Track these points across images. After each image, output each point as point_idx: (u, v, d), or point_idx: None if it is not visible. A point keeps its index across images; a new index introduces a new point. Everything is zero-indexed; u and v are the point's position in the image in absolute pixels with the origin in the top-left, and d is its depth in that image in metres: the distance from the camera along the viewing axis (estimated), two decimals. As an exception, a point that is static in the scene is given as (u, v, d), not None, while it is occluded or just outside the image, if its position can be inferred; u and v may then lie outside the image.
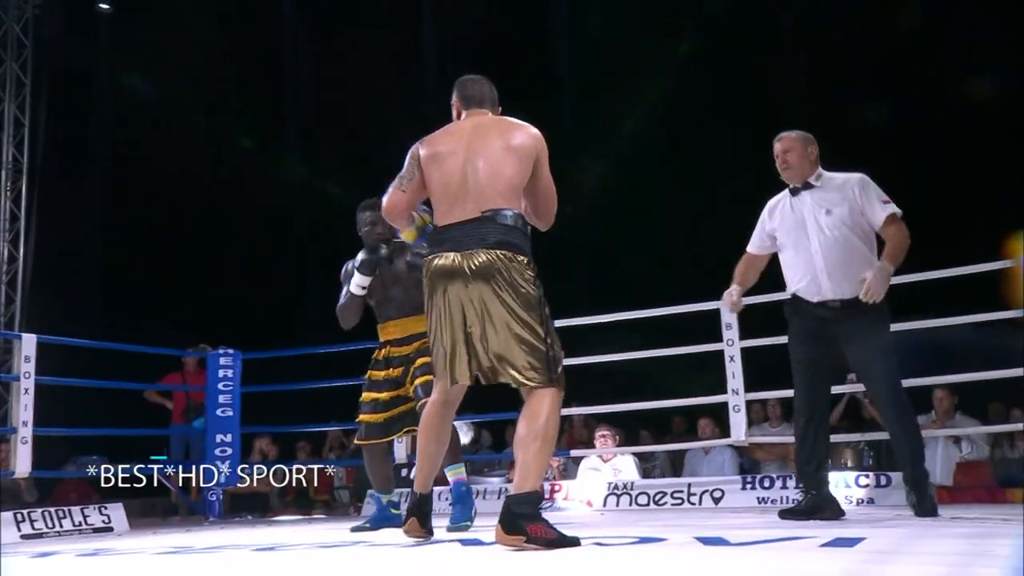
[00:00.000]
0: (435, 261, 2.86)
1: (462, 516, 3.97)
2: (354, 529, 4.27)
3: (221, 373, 6.54)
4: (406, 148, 3.08)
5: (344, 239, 4.95)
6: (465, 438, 7.06)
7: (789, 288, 4.21)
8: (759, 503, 5.90)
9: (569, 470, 7.05)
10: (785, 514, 4.02)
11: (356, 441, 4.49)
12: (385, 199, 3.15)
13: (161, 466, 6.66)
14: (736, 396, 5.80)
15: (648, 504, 6.10)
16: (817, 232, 4.02)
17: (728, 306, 4.48)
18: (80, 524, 5.52)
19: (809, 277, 4.05)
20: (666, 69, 10.20)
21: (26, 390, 5.57)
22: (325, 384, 6.63)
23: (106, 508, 5.70)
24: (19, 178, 9.88)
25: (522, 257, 2.83)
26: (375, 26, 10.31)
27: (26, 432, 5.51)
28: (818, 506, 3.97)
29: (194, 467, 6.66)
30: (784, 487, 5.95)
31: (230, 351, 6.61)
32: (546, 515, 2.64)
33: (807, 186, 4.08)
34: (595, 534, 3.01)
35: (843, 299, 3.95)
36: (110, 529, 5.59)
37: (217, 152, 10.94)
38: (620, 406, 6.49)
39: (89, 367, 6.83)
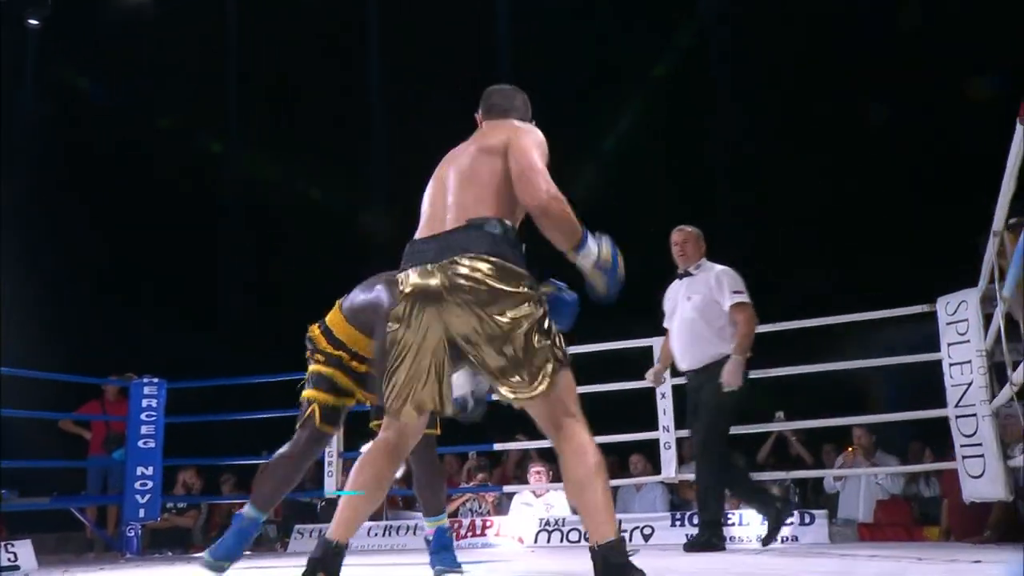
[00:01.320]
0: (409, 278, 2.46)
1: (454, 562, 3.57)
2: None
3: (144, 403, 6.40)
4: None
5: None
6: (400, 470, 6.92)
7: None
8: (687, 539, 5.87)
9: (502, 505, 6.96)
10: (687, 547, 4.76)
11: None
12: None
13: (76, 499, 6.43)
14: (667, 433, 5.89)
15: (579, 540, 6.03)
16: (680, 314, 4.89)
17: (652, 381, 5.39)
18: (-11, 562, 5.22)
19: (676, 351, 4.97)
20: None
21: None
22: (252, 416, 6.49)
23: (12, 545, 5.39)
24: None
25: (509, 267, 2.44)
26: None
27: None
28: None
29: (113, 501, 6.42)
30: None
31: (155, 380, 6.43)
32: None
33: (687, 274, 4.92)
34: (525, 570, 2.91)
35: (694, 368, 4.87)
36: (16, 567, 5.29)
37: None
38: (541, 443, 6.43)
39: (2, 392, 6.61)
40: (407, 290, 2.40)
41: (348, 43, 10.65)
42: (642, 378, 5.58)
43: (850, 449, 6.82)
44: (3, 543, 5.42)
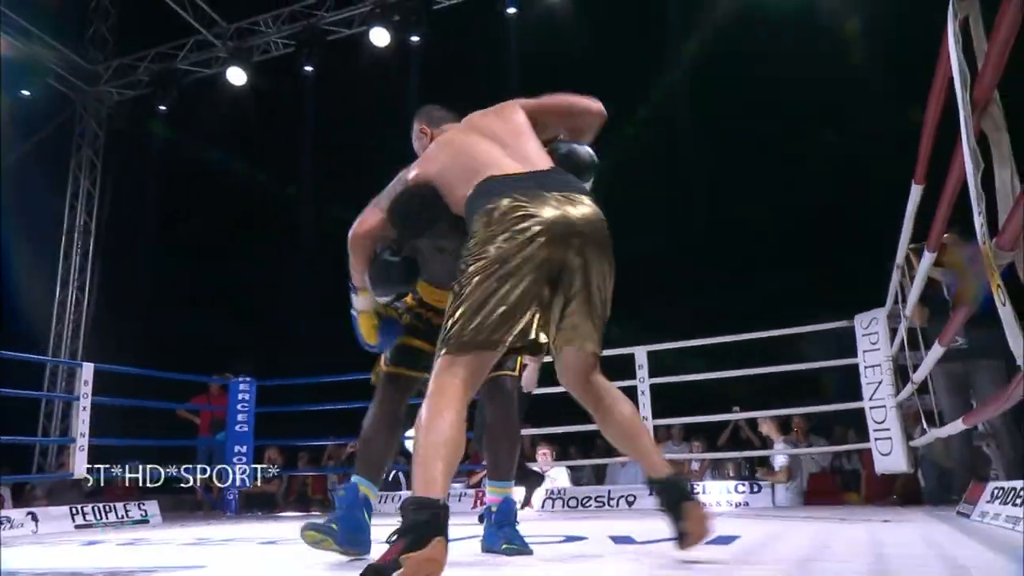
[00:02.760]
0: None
1: (523, 541, 2.36)
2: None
3: (240, 396, 6.53)
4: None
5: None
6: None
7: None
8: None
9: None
10: None
11: (384, 368, 2.45)
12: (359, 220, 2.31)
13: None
14: (646, 421, 5.78)
15: (577, 507, 6.14)
16: None
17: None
18: (123, 517, 5.43)
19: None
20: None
21: (84, 408, 5.51)
22: (322, 407, 6.58)
23: (144, 504, 5.59)
24: (88, 238, 9.90)
25: None
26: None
27: (83, 441, 5.43)
28: None
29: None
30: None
31: (247, 379, 6.57)
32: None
33: None
34: (533, 532, 3.00)
35: None
36: (147, 521, 5.48)
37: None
38: (556, 428, 6.53)
39: (138, 388, 6.80)
40: (546, 215, 1.77)
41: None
42: (622, 377, 5.51)
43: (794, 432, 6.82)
44: (137, 502, 5.64)
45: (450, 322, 1.75)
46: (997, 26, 1.75)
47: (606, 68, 8.11)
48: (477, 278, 1.74)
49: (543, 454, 6.70)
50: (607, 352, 6.01)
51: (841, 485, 6.40)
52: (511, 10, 8.00)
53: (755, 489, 5.89)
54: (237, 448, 6.45)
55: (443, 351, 1.74)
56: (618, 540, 2.72)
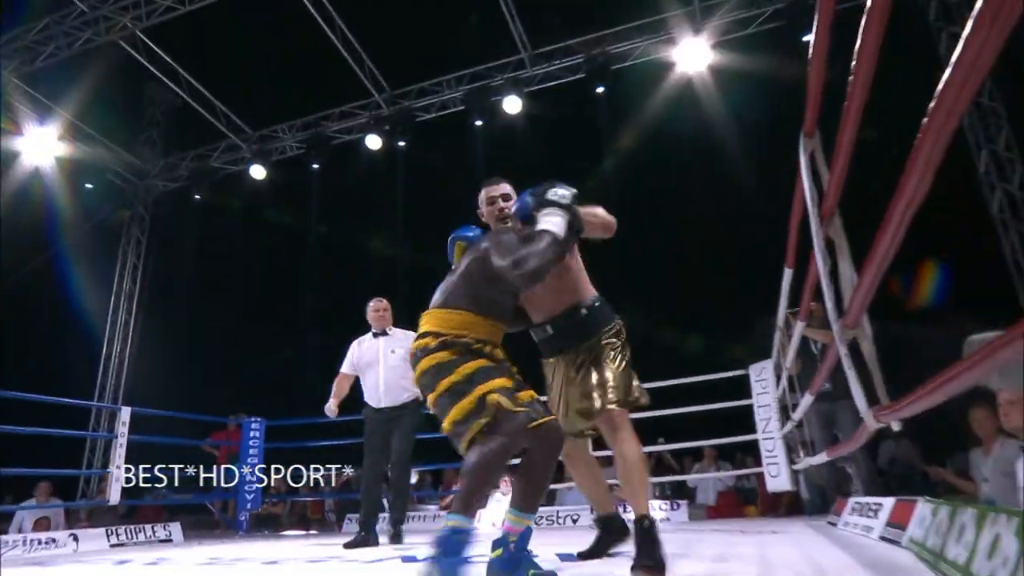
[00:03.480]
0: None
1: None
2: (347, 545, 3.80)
3: (251, 434, 6.34)
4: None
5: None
6: (414, 477, 6.87)
7: (367, 394, 4.30)
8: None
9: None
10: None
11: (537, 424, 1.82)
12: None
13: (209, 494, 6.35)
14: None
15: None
16: (384, 362, 4.23)
17: (330, 414, 4.29)
18: (150, 536, 5.20)
19: (380, 390, 4.20)
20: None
21: (121, 444, 5.32)
22: (322, 443, 6.41)
23: (168, 526, 5.36)
24: (131, 303, 9.76)
25: None
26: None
27: (119, 473, 5.23)
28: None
29: (231, 497, 6.36)
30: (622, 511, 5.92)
31: (257, 419, 6.40)
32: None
33: (384, 333, 4.32)
34: (485, 551, 2.92)
35: (394, 405, 4.21)
36: (170, 540, 5.25)
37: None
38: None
39: (167, 426, 6.59)
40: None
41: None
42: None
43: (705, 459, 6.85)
44: (164, 524, 5.41)
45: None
46: (835, 159, 1.88)
47: (553, 164, 8.31)
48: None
49: (505, 482, 6.59)
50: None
51: (742, 500, 6.40)
52: (478, 123, 8.23)
53: (675, 507, 5.85)
54: (248, 477, 6.23)
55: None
56: (563, 557, 2.65)
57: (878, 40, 1.32)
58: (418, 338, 1.96)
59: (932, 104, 0.84)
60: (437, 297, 2.05)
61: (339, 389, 4.30)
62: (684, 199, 8.22)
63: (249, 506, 6.24)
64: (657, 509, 5.88)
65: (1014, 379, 2.27)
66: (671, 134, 7.97)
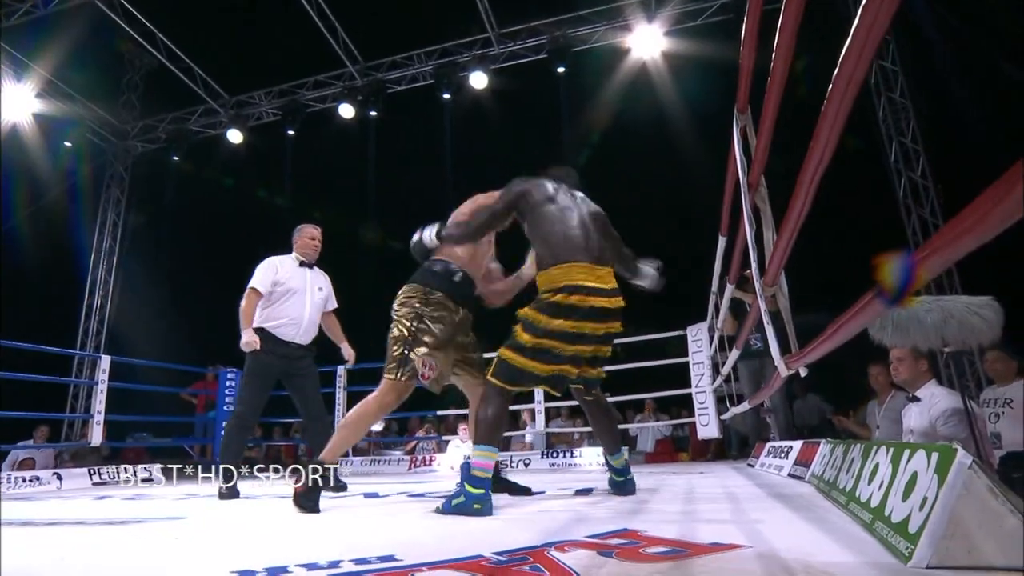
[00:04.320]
0: None
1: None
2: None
3: (227, 383, 6.22)
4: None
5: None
6: (379, 426, 6.89)
7: (265, 322, 3.33)
8: (550, 466, 5.99)
9: (443, 447, 6.96)
10: None
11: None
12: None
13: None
14: (539, 404, 5.85)
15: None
16: (311, 296, 3.45)
17: (248, 345, 3.26)
18: (132, 476, 5.09)
19: (295, 323, 3.37)
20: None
21: (101, 391, 5.20)
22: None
23: (149, 467, 5.27)
24: (111, 258, 9.40)
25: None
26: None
27: (99, 417, 5.12)
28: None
29: (208, 442, 6.28)
30: (565, 456, 6.07)
31: (233, 369, 6.29)
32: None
33: (311, 266, 3.54)
34: (446, 488, 2.97)
35: (303, 344, 3.42)
36: (151, 480, 5.17)
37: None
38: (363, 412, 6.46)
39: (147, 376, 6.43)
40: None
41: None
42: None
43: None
44: (145, 465, 5.32)
45: None
46: (760, 134, 1.92)
47: (515, 138, 8.23)
48: None
49: (463, 428, 6.66)
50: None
51: (676, 447, 6.60)
52: (446, 96, 8.07)
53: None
54: (224, 423, 6.14)
55: None
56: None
57: (795, 26, 1.34)
58: (615, 295, 2.07)
59: (835, 73, 0.86)
60: (598, 253, 2.11)
61: (252, 312, 3.30)
62: (638, 174, 8.27)
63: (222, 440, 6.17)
64: (601, 455, 6.04)
65: (908, 338, 2.38)
66: (626, 113, 7.96)
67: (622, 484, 2.38)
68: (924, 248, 0.77)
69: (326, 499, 2.80)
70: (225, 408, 6.12)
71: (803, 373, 1.72)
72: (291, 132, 8.63)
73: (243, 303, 3.30)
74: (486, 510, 1.81)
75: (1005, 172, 0.58)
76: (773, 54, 1.48)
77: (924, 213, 6.52)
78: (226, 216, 9.70)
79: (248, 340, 3.23)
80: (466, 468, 1.98)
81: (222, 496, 2.99)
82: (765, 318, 2.00)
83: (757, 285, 2.00)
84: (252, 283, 3.34)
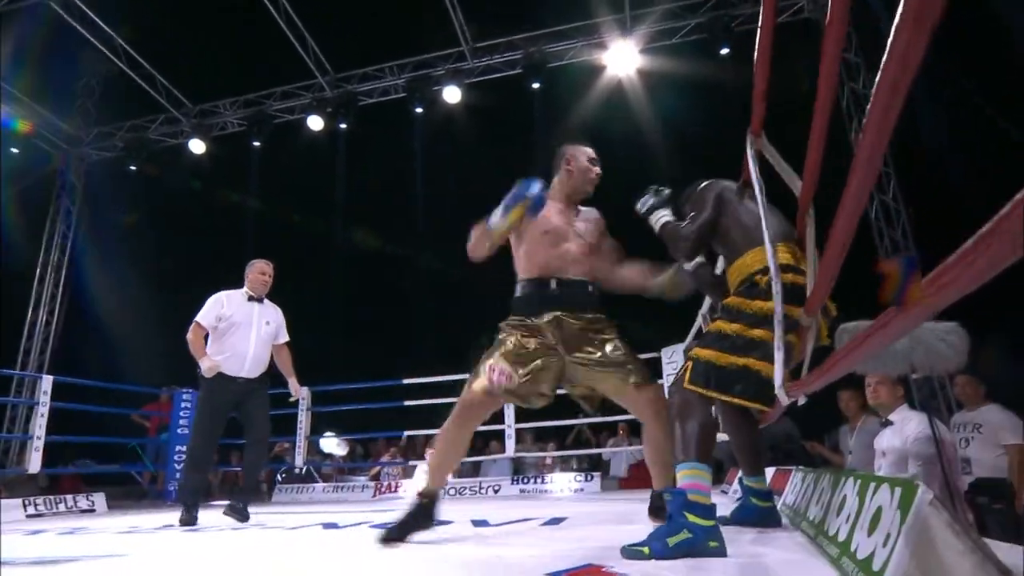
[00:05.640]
0: None
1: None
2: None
3: (183, 404, 6.05)
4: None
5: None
6: (342, 450, 6.76)
7: (220, 356, 3.47)
8: (520, 492, 5.95)
9: (408, 472, 6.86)
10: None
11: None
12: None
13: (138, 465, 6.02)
14: (510, 428, 5.78)
15: (455, 495, 6.02)
16: (258, 331, 3.57)
17: (211, 370, 3.42)
18: (72, 507, 4.90)
19: (240, 358, 3.50)
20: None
21: (42, 414, 5.00)
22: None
23: (91, 496, 5.07)
24: (59, 273, 9.09)
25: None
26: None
27: (39, 443, 4.90)
28: None
29: (160, 468, 6.07)
30: (536, 482, 6.03)
31: (190, 390, 6.12)
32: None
33: (260, 300, 3.66)
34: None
35: (250, 378, 3.52)
36: (93, 510, 4.97)
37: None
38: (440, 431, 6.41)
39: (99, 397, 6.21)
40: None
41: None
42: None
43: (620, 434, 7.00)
44: (85, 494, 5.12)
45: None
46: (813, 152, 1.79)
47: (488, 154, 8.29)
48: None
49: (431, 452, 6.57)
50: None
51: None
52: (418, 110, 8.08)
53: (589, 478, 5.99)
54: (178, 447, 5.95)
55: None
56: (477, 523, 2.68)
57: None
58: (793, 271, 1.79)
59: (870, 104, 0.85)
60: (787, 229, 1.90)
61: (202, 343, 3.49)
62: (613, 191, 8.37)
63: (179, 476, 5.97)
64: (573, 480, 6.02)
65: (879, 365, 2.42)
66: (601, 130, 8.09)
67: (768, 512, 2.04)
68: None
69: (271, 531, 2.74)
70: (179, 432, 5.95)
71: (801, 402, 1.66)
72: (257, 143, 8.54)
73: (189, 335, 3.51)
74: (721, 549, 1.48)
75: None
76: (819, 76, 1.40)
77: (896, 235, 6.72)
78: (186, 229, 9.54)
79: (209, 365, 3.41)
80: (680, 497, 1.56)
81: (183, 523, 3.25)
82: (778, 344, 1.68)
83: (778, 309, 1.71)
84: (198, 317, 3.55)
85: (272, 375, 3.74)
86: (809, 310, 1.68)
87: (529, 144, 8.26)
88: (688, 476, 1.59)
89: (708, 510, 1.52)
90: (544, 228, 2.17)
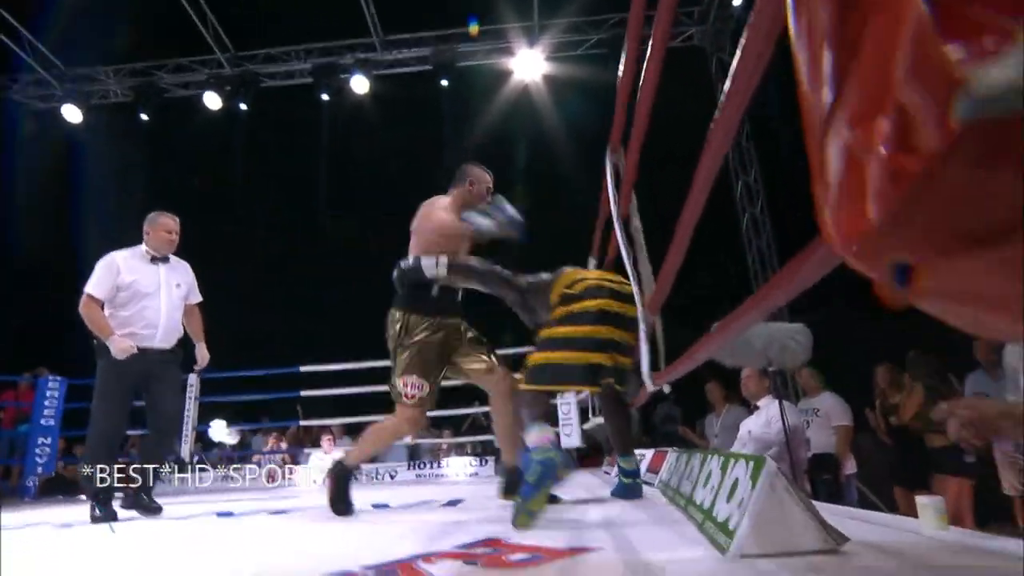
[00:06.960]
0: None
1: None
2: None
3: (48, 393, 5.50)
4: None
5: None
6: (233, 439, 6.45)
7: (125, 330, 2.93)
8: (417, 477, 6.00)
9: (300, 459, 6.66)
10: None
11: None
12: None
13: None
14: None
15: (351, 481, 5.94)
16: (168, 295, 3.08)
17: (124, 352, 2.86)
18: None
19: (151, 326, 2.99)
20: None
21: None
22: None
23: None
24: None
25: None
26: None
27: None
28: None
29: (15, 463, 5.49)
30: (432, 467, 6.09)
31: (57, 377, 5.57)
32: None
33: (165, 259, 3.13)
34: (310, 503, 2.88)
35: (163, 348, 3.04)
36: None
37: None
38: (340, 420, 6.32)
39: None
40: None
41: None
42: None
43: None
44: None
45: None
46: (627, 173, 2.12)
47: (395, 146, 8.20)
48: None
49: (326, 440, 6.44)
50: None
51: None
52: (324, 96, 7.83)
53: (483, 463, 6.14)
54: (41, 439, 5.43)
55: None
56: (377, 506, 2.71)
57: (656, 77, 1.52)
58: (630, 301, 2.10)
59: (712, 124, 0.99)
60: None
61: (103, 318, 2.91)
62: (516, 190, 8.58)
63: (40, 470, 5.44)
64: (468, 465, 6.16)
65: (741, 359, 2.74)
66: (507, 131, 8.26)
67: (632, 487, 2.42)
68: (752, 300, 0.94)
69: (169, 522, 2.60)
70: (43, 423, 5.40)
71: (667, 390, 1.92)
72: (145, 116, 7.88)
73: (82, 310, 2.89)
74: (570, 463, 1.92)
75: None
76: (639, 97, 1.65)
77: (762, 245, 7.44)
78: (54, 201, 8.62)
79: (122, 347, 2.84)
80: (530, 451, 1.90)
81: (95, 520, 2.72)
82: (643, 338, 2.08)
83: (640, 309, 2.07)
84: (88, 288, 2.91)
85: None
86: (652, 309, 1.94)
87: (437, 138, 8.28)
88: (535, 433, 1.94)
89: (551, 446, 1.85)
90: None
